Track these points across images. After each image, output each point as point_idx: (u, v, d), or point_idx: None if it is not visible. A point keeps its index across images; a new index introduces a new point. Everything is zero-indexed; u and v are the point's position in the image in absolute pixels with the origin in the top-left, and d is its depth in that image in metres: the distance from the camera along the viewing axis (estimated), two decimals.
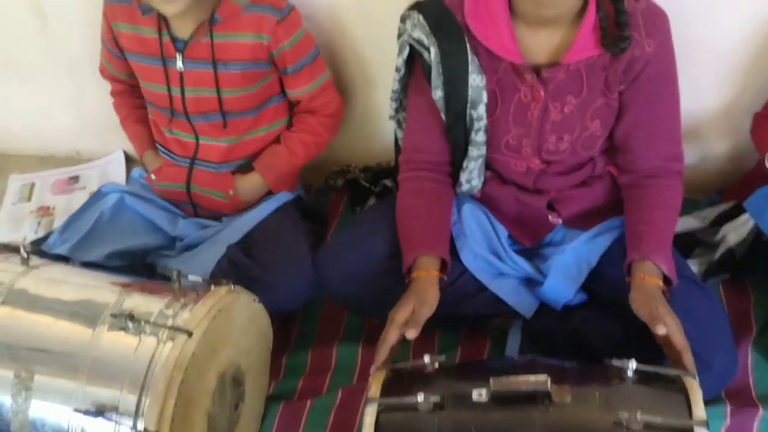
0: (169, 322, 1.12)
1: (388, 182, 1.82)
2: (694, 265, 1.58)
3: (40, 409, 1.10)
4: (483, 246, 1.41)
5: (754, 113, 1.54)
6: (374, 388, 1.11)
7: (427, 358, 1.13)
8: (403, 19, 1.31)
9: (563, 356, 1.34)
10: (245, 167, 1.65)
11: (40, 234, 1.79)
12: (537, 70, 1.26)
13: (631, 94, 1.27)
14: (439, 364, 1.14)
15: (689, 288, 1.29)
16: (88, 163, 2.04)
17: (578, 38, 1.21)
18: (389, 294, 1.26)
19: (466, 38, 1.26)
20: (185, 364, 1.07)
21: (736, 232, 1.56)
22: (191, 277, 1.24)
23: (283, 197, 1.65)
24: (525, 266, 1.41)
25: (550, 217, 1.42)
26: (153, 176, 1.66)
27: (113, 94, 1.73)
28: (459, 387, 1.09)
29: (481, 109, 1.29)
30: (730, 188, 1.71)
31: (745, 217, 1.54)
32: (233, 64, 1.51)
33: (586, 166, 1.38)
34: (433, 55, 1.27)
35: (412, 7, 1.31)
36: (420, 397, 1.04)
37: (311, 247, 1.58)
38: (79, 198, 1.81)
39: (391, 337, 1.18)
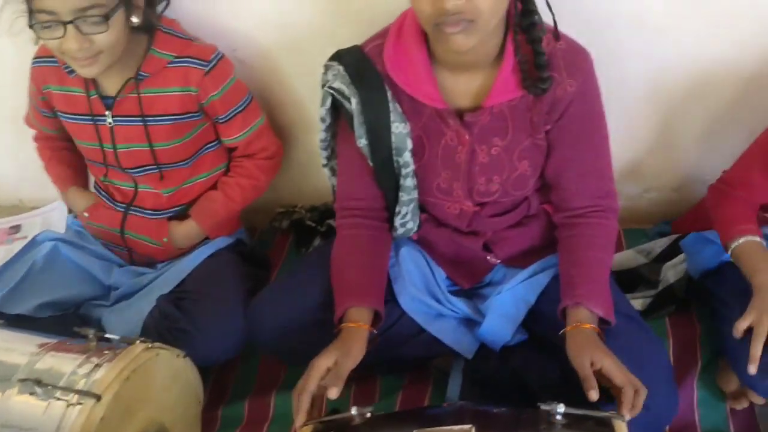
0: (80, 385, 1.09)
1: (333, 222, 1.80)
2: (638, 300, 1.57)
3: None
4: (421, 288, 1.40)
5: (710, 185, 1.46)
6: None
7: (354, 410, 1.11)
8: (325, 70, 1.31)
9: (504, 396, 1.36)
10: (183, 213, 1.63)
11: None
12: (461, 114, 1.26)
13: (557, 134, 1.27)
14: (369, 414, 1.12)
15: (628, 326, 1.27)
16: (30, 212, 2.01)
17: (498, 81, 1.21)
18: (323, 345, 1.23)
19: (386, 87, 1.26)
20: (92, 429, 1.04)
21: (675, 269, 1.55)
22: (108, 335, 1.20)
23: (220, 242, 1.63)
24: (463, 308, 1.40)
25: (488, 257, 1.41)
26: (86, 214, 1.64)
27: (36, 139, 1.72)
28: None
29: (407, 156, 1.29)
30: (679, 217, 1.70)
31: (683, 255, 1.53)
32: (163, 117, 1.50)
33: (520, 206, 1.37)
34: (354, 104, 1.27)
35: (333, 58, 1.31)
36: None
37: (250, 293, 1.55)
38: (20, 248, 1.76)
39: (309, 385, 1.14)
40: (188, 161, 1.57)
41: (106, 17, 1.30)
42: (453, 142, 1.27)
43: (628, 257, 1.66)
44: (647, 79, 1.56)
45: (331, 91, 1.29)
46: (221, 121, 1.54)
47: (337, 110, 1.33)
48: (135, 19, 1.37)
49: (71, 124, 1.56)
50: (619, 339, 1.21)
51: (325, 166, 1.45)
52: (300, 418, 1.13)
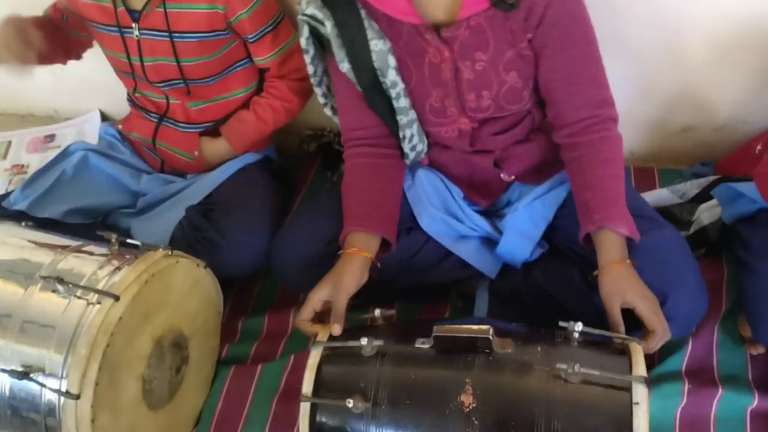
0: (100, 285, 1.12)
1: None
2: None
3: None
4: (440, 209, 1.39)
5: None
6: (322, 334, 1.14)
7: (377, 312, 1.17)
8: (298, 1, 1.27)
9: (532, 315, 1.35)
10: (214, 129, 1.63)
11: (11, 190, 1.79)
12: (438, 29, 1.22)
13: (541, 40, 1.22)
14: (389, 317, 1.17)
15: (649, 225, 1.25)
16: (64, 122, 2.04)
17: None
18: None
19: (359, 6, 1.22)
20: (111, 328, 1.07)
21: (710, 212, 1.51)
22: (130, 241, 1.22)
23: (250, 157, 1.63)
24: (484, 225, 1.39)
25: (502, 176, 1.39)
26: (120, 126, 1.66)
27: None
28: (404, 336, 1.11)
29: (392, 75, 1.26)
30: (722, 156, 1.65)
31: None
32: (189, 34, 1.48)
33: (524, 121, 1.34)
34: (329, 28, 1.24)
35: None
36: (363, 341, 1.07)
37: (278, 209, 1.57)
38: (53, 156, 1.80)
39: (304, 314, 1.18)
40: (216, 77, 1.56)
41: None
42: (436, 59, 1.24)
43: (661, 195, 1.61)
44: (700, 10, 1.49)
45: (306, 18, 1.26)
46: (251, 40, 1.52)
47: (321, 41, 1.29)
48: None
49: (100, 35, 1.55)
50: (642, 243, 1.19)
51: (325, 105, 1.43)
52: (312, 331, 1.17)
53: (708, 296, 1.26)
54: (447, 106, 1.29)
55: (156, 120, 1.63)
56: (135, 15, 1.48)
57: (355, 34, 1.23)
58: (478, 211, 1.42)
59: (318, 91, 1.39)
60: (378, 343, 1.08)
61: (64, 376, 1.05)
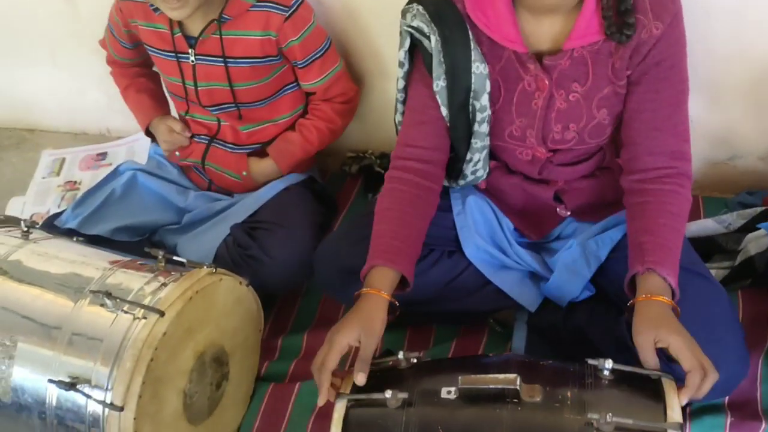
0: (146, 301, 1.15)
1: None
2: (713, 271, 1.51)
3: (21, 376, 1.15)
4: (487, 239, 1.39)
5: None
6: (345, 384, 1.11)
7: (401, 355, 1.13)
8: (403, 14, 1.28)
9: (567, 352, 1.33)
10: (261, 150, 1.67)
11: (63, 207, 1.85)
12: (540, 58, 1.22)
13: (637, 77, 1.21)
14: (415, 360, 1.13)
15: (698, 282, 1.22)
16: (116, 140, 2.10)
17: (579, 23, 1.17)
18: None
19: (467, 26, 1.23)
20: (155, 343, 1.10)
21: (757, 242, 1.48)
22: (176, 258, 1.26)
23: (294, 177, 1.67)
24: (530, 261, 1.37)
25: (558, 210, 1.38)
26: (178, 153, 1.70)
27: (109, 62, 1.76)
28: (430, 384, 1.09)
29: (485, 99, 1.26)
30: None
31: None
32: (243, 59, 1.53)
33: (595, 156, 1.33)
34: (433, 42, 1.23)
35: (411, 0, 1.28)
36: (388, 394, 1.04)
37: (318, 229, 1.59)
38: (105, 174, 1.85)
39: (329, 363, 1.10)
40: (266, 101, 1.61)
41: None
42: (530, 88, 1.24)
43: (706, 225, 1.59)
44: (738, 37, 1.47)
45: (410, 30, 1.26)
46: (300, 65, 1.56)
47: (413, 56, 1.30)
48: None
49: (158, 59, 1.61)
50: (689, 296, 1.16)
51: (400, 122, 1.40)
52: (323, 395, 1.10)
53: (749, 364, 1.22)
54: (527, 136, 1.29)
55: (206, 142, 1.67)
56: (191, 41, 1.53)
57: (459, 53, 1.22)
58: (525, 244, 1.41)
59: (399, 107, 1.38)
60: (403, 395, 1.05)
61: (109, 388, 1.08)
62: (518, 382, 1.01)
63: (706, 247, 1.54)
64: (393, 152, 1.35)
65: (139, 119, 1.75)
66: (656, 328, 1.07)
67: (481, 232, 1.38)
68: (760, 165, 1.68)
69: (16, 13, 1.95)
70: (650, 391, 1.03)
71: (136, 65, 1.73)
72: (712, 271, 1.49)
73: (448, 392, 1.04)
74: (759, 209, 1.54)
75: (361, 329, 1.13)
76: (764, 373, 1.35)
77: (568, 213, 1.39)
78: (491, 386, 1.03)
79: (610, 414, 0.96)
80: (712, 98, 1.57)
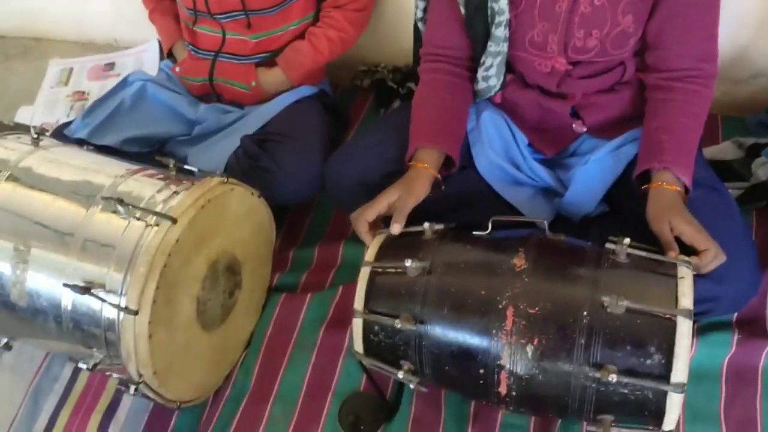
0: (158, 208, 1.15)
1: (413, 85, 1.77)
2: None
3: (35, 281, 1.16)
4: (500, 154, 1.37)
5: None
6: (370, 251, 1.16)
7: (426, 225, 1.17)
8: None
9: None
10: (270, 60, 1.63)
11: (72, 117, 1.84)
12: None
13: None
14: (439, 228, 1.18)
15: (713, 196, 1.22)
16: (124, 50, 2.07)
17: None
18: None
19: None
20: (168, 249, 1.10)
21: (765, 168, 1.46)
22: (187, 167, 1.25)
23: (305, 90, 1.64)
24: (544, 175, 1.36)
25: (574, 126, 1.36)
26: (178, 69, 1.67)
27: None
28: (449, 253, 1.13)
29: (503, 2, 1.23)
30: None
31: None
32: None
33: (615, 70, 1.30)
34: None
35: None
36: (408, 263, 1.08)
37: (329, 141, 1.58)
38: (113, 84, 1.83)
39: (368, 213, 1.19)
40: (276, 8, 1.56)
41: None
42: None
43: (724, 149, 1.58)
44: None
45: None
46: None
47: None
48: None
49: None
50: (705, 210, 1.16)
51: (420, 20, 1.41)
52: (367, 240, 1.20)
53: (761, 281, 1.22)
54: (549, 42, 1.26)
55: (211, 57, 1.63)
56: None
57: None
58: (540, 159, 1.39)
59: (420, 5, 1.39)
60: (423, 264, 1.10)
61: (123, 293, 1.09)
62: (546, 224, 1.12)
63: (722, 171, 1.52)
64: (421, 50, 1.38)
65: (163, 41, 1.72)
66: (670, 215, 1.11)
67: (495, 147, 1.37)
68: None
69: None
70: (665, 276, 1.04)
71: None
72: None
73: (478, 234, 1.14)
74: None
75: (402, 189, 1.21)
76: None
77: (585, 129, 1.36)
78: (521, 219, 1.18)
79: (622, 296, 0.98)
80: (733, 16, 1.51)
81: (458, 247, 1.13)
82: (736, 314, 1.31)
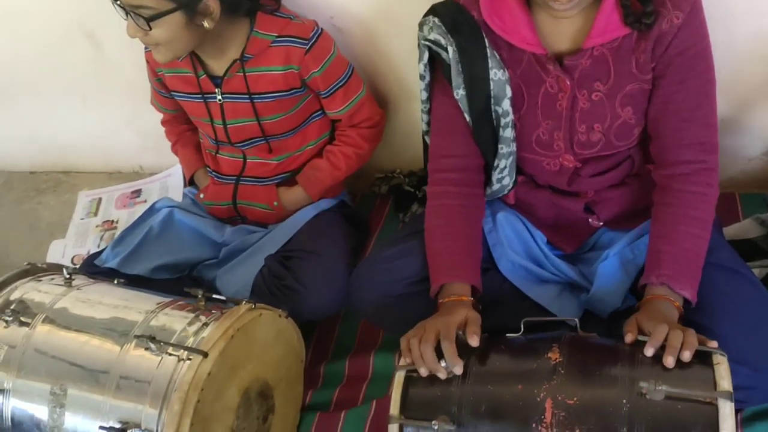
0: (190, 342, 1.17)
1: None
2: (754, 270, 1.48)
3: (73, 425, 1.17)
4: (521, 254, 1.38)
5: None
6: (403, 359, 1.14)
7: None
8: (420, 26, 1.31)
9: None
10: (290, 179, 1.69)
11: (103, 247, 1.89)
12: (560, 58, 1.22)
13: (661, 69, 1.20)
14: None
15: (738, 280, 1.21)
16: (149, 177, 2.14)
17: (598, 20, 1.17)
18: (422, 313, 1.23)
19: (483, 34, 1.24)
20: (201, 384, 1.11)
21: None
22: (215, 296, 1.28)
23: (325, 203, 1.68)
24: (568, 271, 1.36)
25: (590, 221, 1.37)
26: (201, 195, 1.73)
27: (163, 123, 1.83)
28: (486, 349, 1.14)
29: (506, 104, 1.27)
30: None
31: None
32: (268, 94, 1.56)
33: (623, 164, 1.32)
34: (451, 53, 1.25)
35: (428, 13, 1.30)
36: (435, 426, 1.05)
37: (351, 254, 1.60)
38: (141, 211, 1.89)
39: (451, 334, 1.12)
40: (294, 131, 1.63)
41: (150, 19, 1.35)
42: (553, 89, 1.24)
43: (745, 227, 1.57)
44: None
45: (428, 43, 1.28)
46: (323, 95, 1.58)
47: (434, 67, 1.32)
48: (207, 25, 1.41)
49: (185, 102, 1.65)
50: (730, 296, 1.16)
51: (426, 133, 1.43)
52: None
53: None
54: (555, 140, 1.28)
55: (233, 181, 1.69)
56: (217, 81, 1.56)
57: (476, 62, 1.24)
58: (559, 256, 1.40)
59: (424, 117, 1.40)
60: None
61: (159, 430, 1.10)
62: (578, 323, 1.13)
63: (746, 249, 1.52)
64: (429, 165, 1.39)
65: (185, 171, 1.81)
66: (654, 321, 1.08)
67: (515, 247, 1.38)
68: None
69: (45, 61, 2.00)
70: (700, 364, 1.02)
71: (184, 122, 1.77)
72: (754, 271, 1.47)
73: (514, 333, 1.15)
74: None
75: (466, 310, 1.19)
76: None
77: (601, 224, 1.37)
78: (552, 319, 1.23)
79: (660, 381, 0.97)
80: (740, 95, 1.55)
81: (492, 349, 1.13)
82: None
